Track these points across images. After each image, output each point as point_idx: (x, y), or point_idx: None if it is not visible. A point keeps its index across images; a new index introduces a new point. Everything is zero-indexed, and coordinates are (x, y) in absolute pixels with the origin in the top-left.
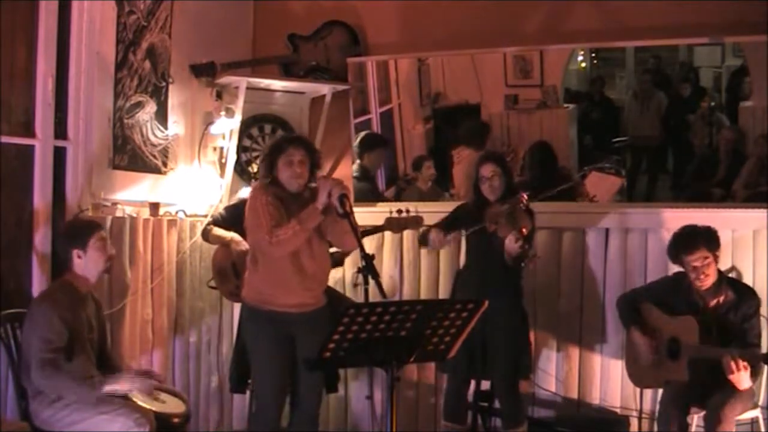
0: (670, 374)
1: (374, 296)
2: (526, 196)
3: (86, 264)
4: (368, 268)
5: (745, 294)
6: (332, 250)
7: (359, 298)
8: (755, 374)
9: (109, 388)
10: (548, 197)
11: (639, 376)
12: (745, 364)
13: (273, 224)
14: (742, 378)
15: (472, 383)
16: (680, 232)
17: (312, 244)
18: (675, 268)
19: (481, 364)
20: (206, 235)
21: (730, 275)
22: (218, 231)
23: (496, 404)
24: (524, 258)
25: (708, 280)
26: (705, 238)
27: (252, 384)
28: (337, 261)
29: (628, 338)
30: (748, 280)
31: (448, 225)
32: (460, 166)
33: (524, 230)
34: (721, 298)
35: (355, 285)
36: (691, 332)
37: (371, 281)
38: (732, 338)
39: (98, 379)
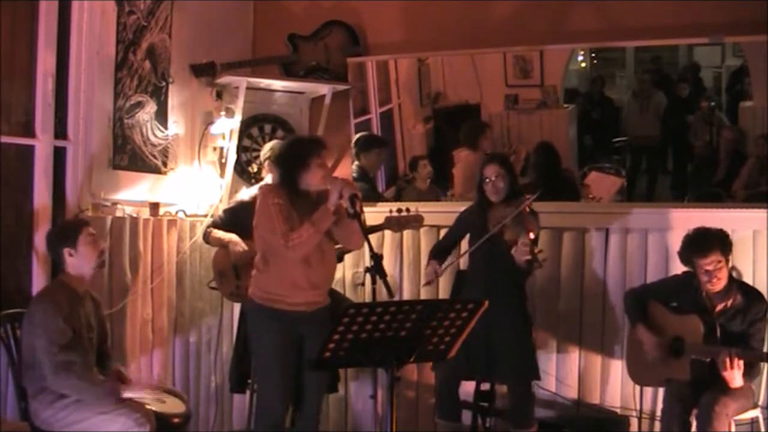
0: (671, 373)
1: (380, 296)
2: (531, 199)
3: (79, 261)
4: (376, 267)
5: (755, 299)
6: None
7: (359, 299)
8: (751, 375)
9: (128, 394)
10: (549, 197)
11: (639, 373)
12: (740, 363)
13: (287, 228)
14: (734, 376)
15: (472, 382)
16: (693, 235)
17: (321, 244)
18: (675, 269)
19: (484, 367)
20: (206, 237)
21: (731, 274)
22: (217, 233)
23: (496, 404)
24: (534, 263)
25: (719, 284)
26: (719, 242)
27: (254, 383)
28: (338, 257)
29: (632, 334)
30: (747, 280)
31: (442, 251)
32: (458, 166)
33: (531, 234)
34: (730, 302)
35: (362, 284)
36: (696, 332)
37: (378, 280)
38: (736, 342)
39: (119, 383)
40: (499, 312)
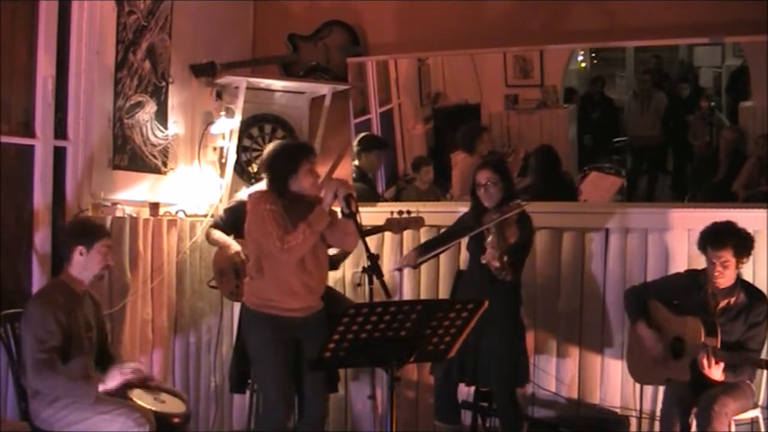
0: (671, 373)
1: (378, 296)
2: (522, 205)
3: (85, 264)
4: (373, 267)
5: (757, 299)
6: (330, 252)
7: (359, 299)
8: (735, 373)
9: (102, 387)
10: (549, 197)
11: (640, 372)
12: (719, 360)
13: (281, 231)
14: (713, 373)
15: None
16: (718, 225)
17: (315, 248)
18: (675, 268)
19: (471, 370)
20: (208, 237)
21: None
22: (216, 234)
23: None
24: (499, 273)
25: (722, 279)
26: (736, 242)
27: (255, 387)
28: (333, 265)
29: (633, 333)
30: (747, 279)
31: (430, 247)
32: (456, 168)
33: (511, 240)
34: (732, 300)
35: (359, 285)
36: (696, 333)
37: (375, 281)
38: (734, 343)
39: (95, 378)
40: (489, 315)
